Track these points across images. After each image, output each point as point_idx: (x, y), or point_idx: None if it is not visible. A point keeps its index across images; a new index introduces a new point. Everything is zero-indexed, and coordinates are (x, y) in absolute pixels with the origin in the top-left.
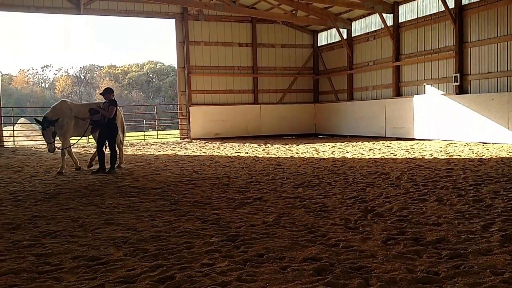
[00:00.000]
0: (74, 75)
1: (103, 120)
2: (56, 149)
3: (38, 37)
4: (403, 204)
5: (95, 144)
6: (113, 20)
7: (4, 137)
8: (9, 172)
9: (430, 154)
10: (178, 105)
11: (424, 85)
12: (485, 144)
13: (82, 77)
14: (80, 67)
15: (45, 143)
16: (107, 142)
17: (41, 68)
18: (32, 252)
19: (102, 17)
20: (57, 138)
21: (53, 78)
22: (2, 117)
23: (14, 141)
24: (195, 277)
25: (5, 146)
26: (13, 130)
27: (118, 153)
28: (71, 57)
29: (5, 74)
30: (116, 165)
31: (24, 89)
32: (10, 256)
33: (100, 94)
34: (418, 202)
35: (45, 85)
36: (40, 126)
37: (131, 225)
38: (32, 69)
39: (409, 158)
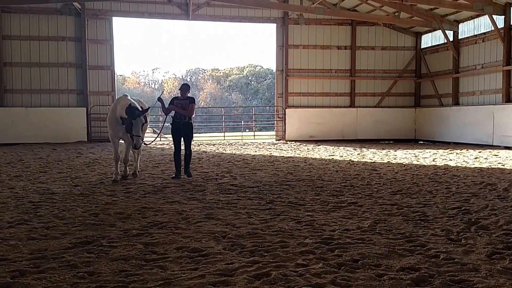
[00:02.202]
0: (181, 77)
1: (183, 119)
2: (143, 144)
3: (149, 42)
4: (510, 218)
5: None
6: (218, 25)
7: None
8: (122, 165)
9: None
10: (274, 107)
11: None
12: None
13: (188, 79)
14: (187, 70)
15: (130, 137)
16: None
17: (151, 70)
18: (141, 241)
19: (208, 23)
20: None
21: (161, 80)
22: None
23: None
24: (290, 276)
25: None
26: None
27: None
28: (179, 61)
29: (119, 75)
30: (131, 172)
31: (136, 89)
32: (121, 244)
33: (180, 89)
34: None
35: (154, 86)
36: (128, 117)
37: (230, 221)
38: (144, 71)
39: None
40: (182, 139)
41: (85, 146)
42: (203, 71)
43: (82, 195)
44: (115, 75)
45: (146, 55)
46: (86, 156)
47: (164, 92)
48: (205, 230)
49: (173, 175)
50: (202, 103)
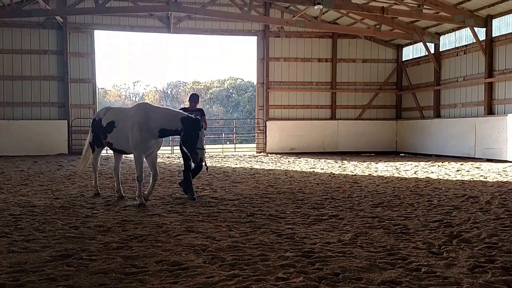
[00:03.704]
0: (162, 90)
1: None
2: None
3: (131, 55)
4: (493, 231)
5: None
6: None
7: None
8: (102, 178)
9: None
10: (255, 120)
11: None
12: None
13: (169, 92)
14: (168, 83)
15: (196, 150)
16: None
17: (133, 83)
18: (120, 254)
19: (189, 36)
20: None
21: (142, 92)
22: None
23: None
24: None
25: None
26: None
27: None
28: (160, 74)
29: (101, 88)
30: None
31: (117, 102)
32: (101, 257)
33: (189, 100)
34: (510, 229)
35: (135, 98)
36: (191, 128)
37: (210, 234)
38: (125, 84)
39: (501, 181)
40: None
41: (66, 159)
42: (184, 84)
43: (62, 208)
44: (97, 88)
45: (127, 68)
46: (67, 168)
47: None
48: (185, 243)
49: (191, 197)
50: None
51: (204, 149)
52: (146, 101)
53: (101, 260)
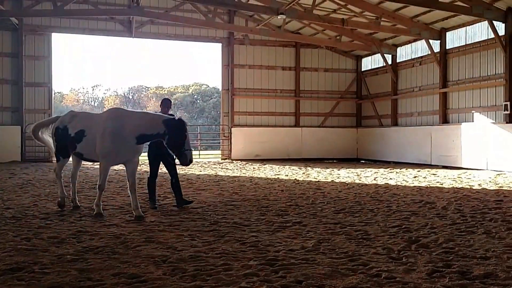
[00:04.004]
0: (123, 95)
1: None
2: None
3: (90, 59)
4: (449, 236)
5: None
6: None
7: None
8: (57, 187)
9: (479, 185)
10: (220, 126)
11: (473, 113)
12: None
13: (130, 97)
14: (129, 88)
15: (184, 152)
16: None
17: (91, 87)
18: (75, 267)
19: (152, 40)
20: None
21: (102, 97)
22: None
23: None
24: None
25: (54, 161)
26: None
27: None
28: (121, 78)
29: (57, 92)
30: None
31: (75, 107)
32: (54, 270)
33: (161, 105)
34: (466, 234)
35: (94, 103)
36: (178, 131)
37: (171, 244)
38: (83, 88)
39: (456, 187)
40: (162, 164)
41: (19, 166)
42: (146, 88)
43: (13, 218)
44: (53, 92)
45: (86, 71)
46: (20, 177)
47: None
48: (144, 254)
49: (153, 206)
50: None
51: (191, 150)
52: (119, 107)
53: (55, 274)
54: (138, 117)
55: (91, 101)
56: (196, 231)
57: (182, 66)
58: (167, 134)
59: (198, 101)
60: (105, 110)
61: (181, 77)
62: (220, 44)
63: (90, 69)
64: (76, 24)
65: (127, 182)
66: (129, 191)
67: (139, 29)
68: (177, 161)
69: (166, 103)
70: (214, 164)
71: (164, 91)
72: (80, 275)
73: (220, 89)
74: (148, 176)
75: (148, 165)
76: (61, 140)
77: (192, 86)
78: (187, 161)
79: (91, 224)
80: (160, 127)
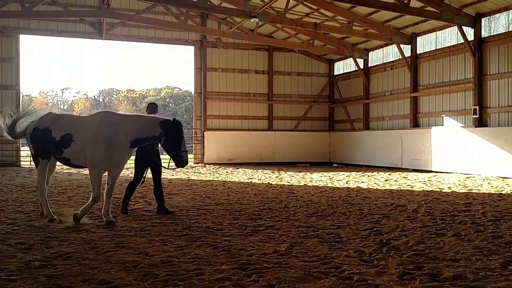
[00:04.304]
0: (93, 97)
1: (156, 146)
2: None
3: (60, 61)
4: (420, 238)
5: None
6: (134, 45)
7: (21, 157)
8: (24, 192)
9: (448, 188)
10: (193, 130)
11: (442, 117)
12: (505, 179)
13: (101, 100)
14: (99, 91)
15: (180, 153)
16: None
17: (61, 90)
18: (43, 273)
19: (123, 43)
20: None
21: (72, 100)
22: None
23: (31, 161)
24: None
25: (22, 166)
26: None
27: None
28: (91, 81)
29: (26, 95)
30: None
31: (44, 110)
32: (22, 276)
33: (147, 109)
34: (436, 236)
35: (64, 106)
36: (178, 132)
37: (142, 249)
38: (52, 91)
39: (426, 190)
40: (149, 170)
41: None
42: (117, 91)
43: None
44: (21, 95)
45: (56, 74)
46: None
47: (74, 115)
48: (115, 260)
49: (124, 210)
50: None
51: (187, 151)
52: (107, 110)
53: (22, 280)
54: (132, 120)
55: (61, 104)
56: (168, 235)
57: (154, 69)
58: (163, 135)
59: (171, 104)
60: (91, 113)
61: (153, 80)
62: (193, 47)
63: (59, 71)
64: (45, 25)
65: (106, 185)
66: (104, 194)
67: (109, 31)
68: (171, 164)
69: (152, 107)
70: (187, 168)
71: (136, 94)
72: (49, 281)
73: (193, 93)
74: (131, 180)
75: (134, 169)
76: (40, 142)
77: (164, 89)
78: (183, 162)
79: (60, 229)
80: (156, 130)
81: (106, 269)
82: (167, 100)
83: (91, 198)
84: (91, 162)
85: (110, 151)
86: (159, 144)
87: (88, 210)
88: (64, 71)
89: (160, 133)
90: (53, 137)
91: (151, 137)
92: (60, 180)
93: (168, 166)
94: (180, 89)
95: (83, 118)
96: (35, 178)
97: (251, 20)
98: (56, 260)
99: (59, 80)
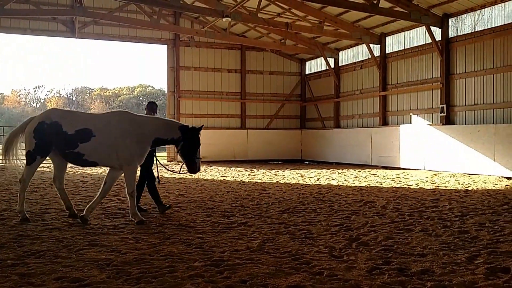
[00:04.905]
0: (66, 96)
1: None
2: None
3: (32, 59)
4: (388, 234)
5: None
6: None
7: None
8: (9, 192)
9: (416, 184)
10: None
11: (411, 115)
12: (471, 176)
13: (74, 99)
14: (72, 89)
15: (195, 159)
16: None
17: (33, 88)
18: (16, 272)
19: (95, 41)
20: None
21: (44, 98)
22: None
23: (3, 159)
24: None
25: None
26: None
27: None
28: (64, 79)
29: None
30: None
31: (16, 108)
32: None
33: (146, 108)
34: (404, 232)
35: (36, 105)
36: (194, 136)
37: (115, 247)
38: (25, 89)
39: (395, 187)
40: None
41: None
42: (90, 90)
43: None
44: None
45: (28, 72)
46: None
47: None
48: (87, 258)
49: (164, 209)
50: None
51: (200, 158)
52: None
53: None
54: (152, 121)
55: (33, 103)
56: (140, 233)
57: (127, 67)
58: (181, 140)
59: (144, 103)
60: (105, 112)
61: (126, 79)
62: (166, 46)
63: (31, 70)
64: (17, 24)
65: (102, 185)
66: (99, 192)
67: (82, 29)
68: (184, 169)
69: (151, 107)
70: (160, 166)
71: (109, 92)
72: (21, 280)
73: (166, 91)
74: (146, 182)
75: (140, 171)
76: (46, 136)
77: (137, 88)
78: (196, 169)
79: (33, 228)
80: (175, 133)
81: (79, 267)
82: (141, 98)
83: (128, 195)
84: (128, 159)
85: (141, 145)
86: (176, 149)
87: (135, 207)
88: (37, 69)
89: (179, 137)
90: (64, 131)
91: (170, 140)
92: (33, 179)
93: (180, 171)
94: (154, 88)
95: (98, 115)
96: (7, 177)
97: (224, 20)
98: (29, 259)
99: (31, 78)
